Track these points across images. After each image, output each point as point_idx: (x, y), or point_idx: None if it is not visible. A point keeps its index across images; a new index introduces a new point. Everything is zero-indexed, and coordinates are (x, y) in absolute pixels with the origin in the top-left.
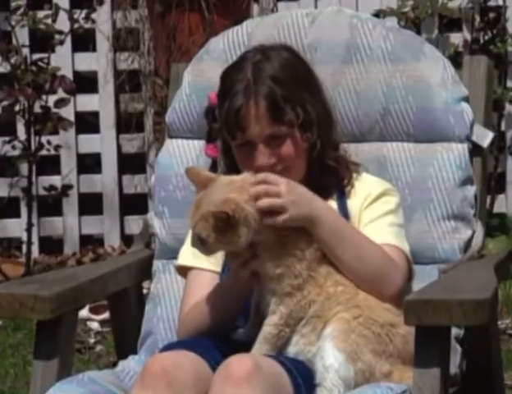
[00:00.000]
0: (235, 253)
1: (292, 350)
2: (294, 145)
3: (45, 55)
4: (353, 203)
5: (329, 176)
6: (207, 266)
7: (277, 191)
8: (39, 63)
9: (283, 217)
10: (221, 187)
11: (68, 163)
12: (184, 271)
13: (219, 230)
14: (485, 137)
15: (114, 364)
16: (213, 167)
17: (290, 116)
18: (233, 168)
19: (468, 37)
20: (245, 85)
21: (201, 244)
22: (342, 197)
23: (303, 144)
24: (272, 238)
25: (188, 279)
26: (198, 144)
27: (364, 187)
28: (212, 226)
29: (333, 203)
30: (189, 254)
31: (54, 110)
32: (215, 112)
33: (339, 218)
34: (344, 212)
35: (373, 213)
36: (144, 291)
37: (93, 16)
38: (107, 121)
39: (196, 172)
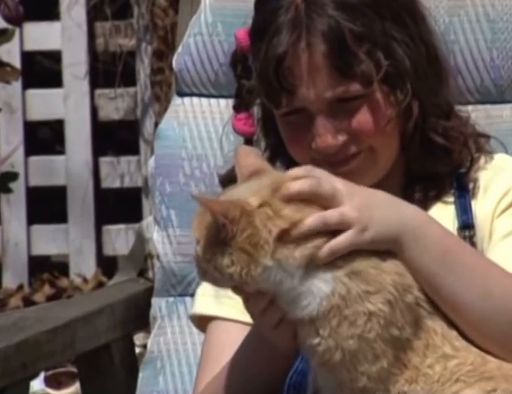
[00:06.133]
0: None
1: None
2: (375, 113)
3: None
4: (481, 206)
5: (438, 160)
6: (236, 315)
7: (331, 192)
8: None
9: (342, 241)
10: (259, 183)
11: (10, 137)
12: (203, 322)
13: (209, 239)
14: None
15: None
16: None
17: (365, 65)
18: (280, 151)
19: None
20: (292, 16)
21: (196, 251)
22: (464, 195)
23: (389, 110)
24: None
25: (207, 334)
26: (226, 106)
27: (500, 179)
28: (205, 227)
29: (448, 208)
30: (209, 296)
31: None
32: (247, 60)
33: (445, 233)
34: (466, 219)
35: None
36: (137, 350)
37: None
38: (75, 67)
39: (249, 154)
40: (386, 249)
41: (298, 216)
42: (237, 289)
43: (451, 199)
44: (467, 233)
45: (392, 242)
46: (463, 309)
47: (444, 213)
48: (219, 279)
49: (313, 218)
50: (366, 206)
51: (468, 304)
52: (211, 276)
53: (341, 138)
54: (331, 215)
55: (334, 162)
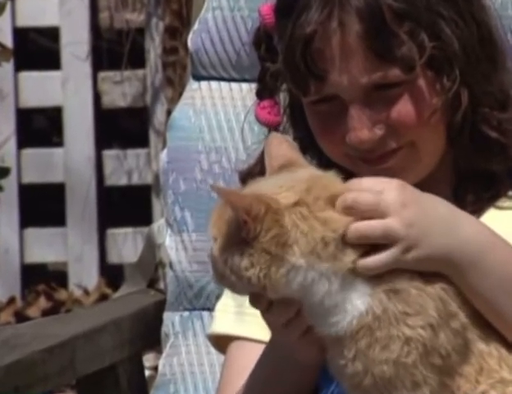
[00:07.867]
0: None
1: None
2: (417, 102)
3: None
4: None
5: (490, 157)
6: (261, 335)
7: (378, 204)
8: None
9: (382, 258)
10: (291, 177)
11: (0, 127)
12: (222, 341)
13: (228, 237)
14: None
15: None
16: None
17: (407, 47)
18: (310, 144)
19: None
20: None
21: (212, 251)
22: None
23: (434, 99)
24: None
25: (228, 356)
26: (250, 91)
27: None
28: (225, 223)
29: (507, 212)
30: (230, 313)
31: None
32: (272, 39)
33: (510, 257)
34: None
35: None
36: (147, 372)
37: None
38: (76, 46)
39: (282, 143)
40: (434, 271)
41: (339, 222)
42: (256, 297)
43: (510, 201)
44: None
45: (442, 265)
46: None
47: (502, 217)
48: (236, 284)
49: (353, 229)
50: (417, 222)
51: None
52: (228, 280)
53: (379, 131)
54: (374, 227)
55: (370, 160)
